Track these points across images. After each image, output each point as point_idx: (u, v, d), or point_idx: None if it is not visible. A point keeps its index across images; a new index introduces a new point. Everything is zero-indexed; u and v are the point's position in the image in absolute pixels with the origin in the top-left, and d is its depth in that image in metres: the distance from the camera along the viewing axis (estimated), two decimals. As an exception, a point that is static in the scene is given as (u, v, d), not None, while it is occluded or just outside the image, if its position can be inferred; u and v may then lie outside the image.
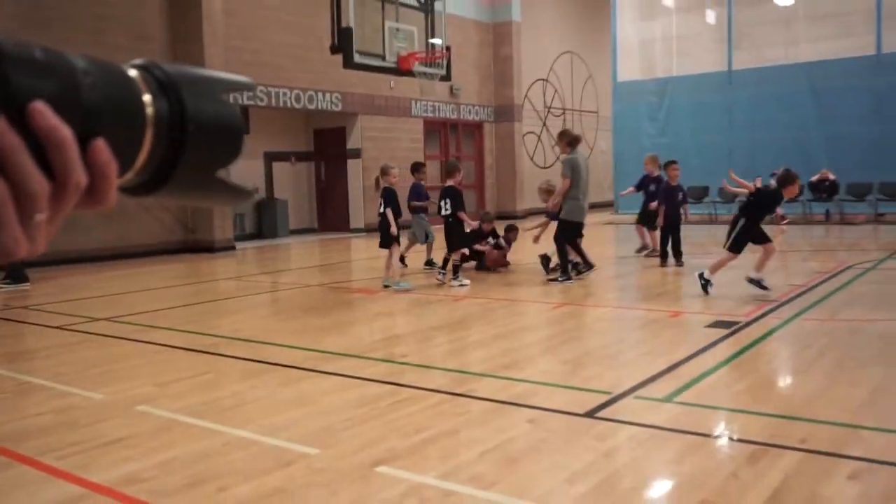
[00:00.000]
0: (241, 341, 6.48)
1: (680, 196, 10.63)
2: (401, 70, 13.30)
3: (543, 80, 24.98)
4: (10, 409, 4.71)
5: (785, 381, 5.22)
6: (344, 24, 11.88)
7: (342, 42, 11.94)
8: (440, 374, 5.25)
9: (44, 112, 0.44)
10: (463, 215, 9.38)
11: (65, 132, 0.45)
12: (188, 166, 0.53)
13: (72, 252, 12.16)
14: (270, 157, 18.38)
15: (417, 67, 13.43)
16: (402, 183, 9.88)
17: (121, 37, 13.51)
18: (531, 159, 24.17)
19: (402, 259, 10.60)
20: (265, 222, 17.78)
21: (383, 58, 12.84)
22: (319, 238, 18.03)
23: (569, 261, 9.25)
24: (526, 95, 23.92)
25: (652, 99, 21.15)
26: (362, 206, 18.51)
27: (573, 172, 9.13)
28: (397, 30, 13.13)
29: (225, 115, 0.55)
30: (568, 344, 6.35)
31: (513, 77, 22.85)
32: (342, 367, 5.46)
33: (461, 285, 9.13)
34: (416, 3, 13.64)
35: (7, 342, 6.94)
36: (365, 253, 14.41)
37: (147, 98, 0.50)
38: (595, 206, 16.44)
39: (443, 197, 9.50)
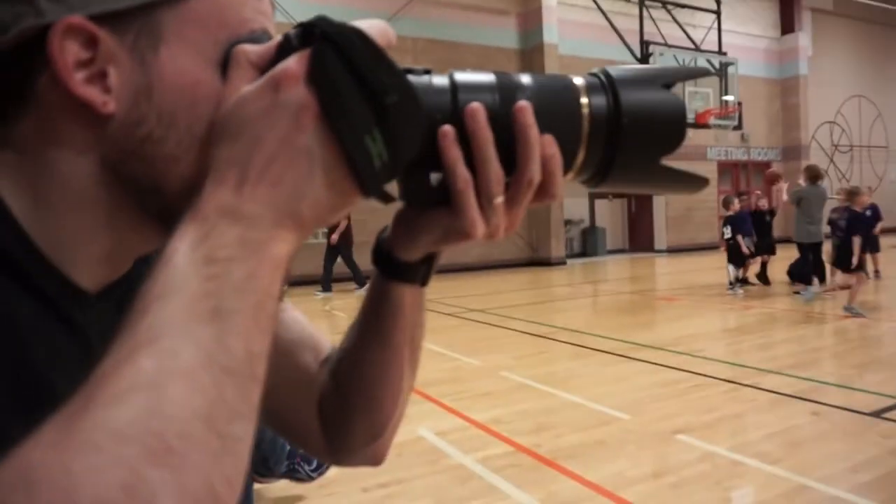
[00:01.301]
0: (571, 331, 6.60)
1: None
2: (698, 124, 12.51)
3: (830, 122, 21.55)
4: (420, 366, 5.34)
5: None
6: (651, 92, 11.55)
7: (650, 106, 11.62)
8: (729, 368, 4.84)
9: (527, 111, 0.41)
10: (740, 239, 8.61)
11: (536, 133, 0.41)
12: (627, 158, 0.44)
13: (456, 264, 13.43)
14: (593, 196, 18.40)
15: (713, 121, 12.54)
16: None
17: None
18: (817, 191, 20.95)
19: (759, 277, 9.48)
20: (588, 244, 17.79)
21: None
22: (630, 257, 17.55)
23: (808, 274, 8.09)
24: (813, 136, 20.84)
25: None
26: (665, 231, 17.74)
27: (798, 201, 7.94)
28: (696, 92, 12.40)
29: (663, 104, 0.44)
30: (855, 351, 5.43)
31: (800, 121, 20.06)
32: (647, 355, 5.30)
33: (734, 293, 8.42)
34: (711, 70, 12.76)
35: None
36: (666, 268, 13.70)
37: (584, 100, 0.43)
38: (890, 231, 13.58)
39: (725, 224, 8.83)
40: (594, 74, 0.45)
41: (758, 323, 6.83)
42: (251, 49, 0.39)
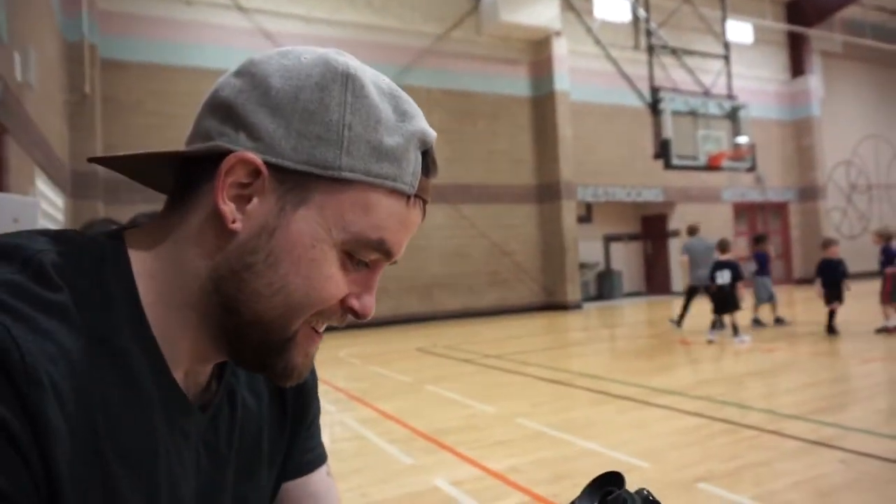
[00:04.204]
0: (588, 377, 6.52)
1: None
2: (711, 167, 12.56)
3: (846, 162, 21.53)
4: (435, 414, 5.25)
5: None
6: (663, 137, 11.65)
7: (662, 150, 11.70)
8: (751, 413, 4.74)
9: None
10: (740, 286, 8.32)
11: None
12: None
13: (471, 309, 13.39)
14: (608, 239, 18.42)
15: (726, 164, 12.58)
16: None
17: (504, 163, 14.78)
18: (837, 231, 20.75)
19: (757, 320, 9.76)
20: (604, 287, 17.73)
21: (696, 159, 12.27)
22: (647, 299, 17.41)
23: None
24: (830, 176, 20.80)
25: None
26: (681, 274, 17.61)
27: (686, 252, 9.58)
28: (708, 136, 12.49)
29: None
30: (882, 395, 5.29)
31: (815, 162, 20.07)
32: (666, 401, 5.21)
33: (741, 341, 8.23)
34: (721, 114, 12.88)
35: (432, 369, 7.75)
36: (684, 312, 13.54)
37: None
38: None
39: (721, 268, 8.41)
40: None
41: (779, 366, 6.70)
42: None
